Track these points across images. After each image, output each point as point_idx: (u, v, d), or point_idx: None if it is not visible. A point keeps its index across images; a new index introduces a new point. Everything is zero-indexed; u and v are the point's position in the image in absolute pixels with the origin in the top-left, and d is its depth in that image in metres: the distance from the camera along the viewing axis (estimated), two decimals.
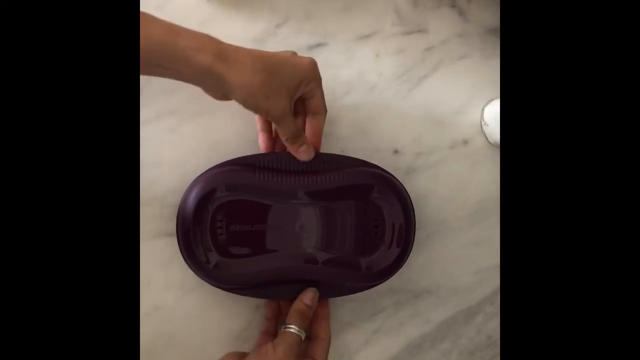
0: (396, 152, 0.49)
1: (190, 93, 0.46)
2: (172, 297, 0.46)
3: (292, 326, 0.40)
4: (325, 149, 0.46)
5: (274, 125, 0.44)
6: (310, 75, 0.40)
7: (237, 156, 0.44)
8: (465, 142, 0.51)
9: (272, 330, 0.45)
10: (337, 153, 0.46)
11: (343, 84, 0.49)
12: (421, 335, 0.49)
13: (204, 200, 0.42)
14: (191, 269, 0.43)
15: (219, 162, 0.44)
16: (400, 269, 0.44)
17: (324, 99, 0.43)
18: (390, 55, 0.50)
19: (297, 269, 0.43)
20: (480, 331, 0.50)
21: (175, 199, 0.44)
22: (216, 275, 0.42)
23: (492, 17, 0.51)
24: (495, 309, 0.50)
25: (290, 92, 0.39)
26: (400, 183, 0.45)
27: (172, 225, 0.43)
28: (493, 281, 0.50)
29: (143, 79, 0.45)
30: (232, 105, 0.46)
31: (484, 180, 0.50)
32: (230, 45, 0.38)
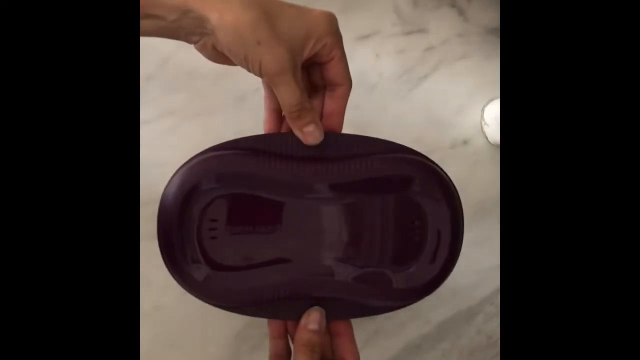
0: None
1: (190, 93, 0.46)
2: (172, 297, 0.46)
3: None
4: None
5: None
6: (323, 27, 0.31)
7: None
8: (466, 142, 0.51)
9: (283, 352, 0.36)
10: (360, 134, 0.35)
11: None
12: (421, 336, 0.49)
13: (188, 197, 0.33)
14: (177, 281, 0.35)
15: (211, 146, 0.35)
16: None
17: (346, 64, 0.33)
18: (390, 55, 0.50)
19: (310, 283, 0.34)
20: (480, 331, 0.50)
21: None
22: (206, 291, 0.34)
23: (492, 17, 0.51)
24: (495, 309, 0.50)
25: (293, 46, 0.30)
26: (447, 174, 0.35)
27: None
28: (493, 281, 0.50)
29: (143, 78, 0.45)
30: (233, 106, 0.46)
31: (484, 180, 0.50)
32: None
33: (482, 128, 0.51)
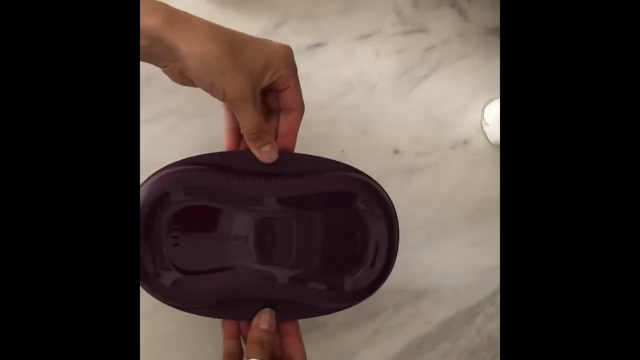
0: (396, 152, 0.49)
1: (190, 93, 0.46)
2: None
3: None
4: (325, 149, 0.46)
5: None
6: (280, 59, 0.35)
7: None
8: (466, 142, 0.51)
9: (236, 351, 0.40)
10: (308, 154, 0.40)
11: (343, 84, 0.49)
12: (421, 336, 0.49)
13: (155, 207, 0.36)
14: (143, 287, 0.38)
15: (177, 160, 0.38)
16: (400, 268, 0.42)
17: (300, 92, 0.37)
18: (390, 55, 0.50)
19: (265, 287, 0.38)
20: (480, 331, 0.50)
21: None
22: (169, 294, 0.37)
23: (492, 17, 0.51)
24: (495, 309, 0.50)
25: (253, 76, 0.34)
26: (386, 192, 0.40)
27: None
28: (493, 281, 0.50)
29: (143, 78, 0.45)
30: None
31: (484, 180, 0.50)
32: (184, 12, 0.33)
33: (482, 128, 0.51)
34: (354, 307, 0.47)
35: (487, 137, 0.50)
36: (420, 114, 0.50)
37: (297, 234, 0.38)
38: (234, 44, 0.33)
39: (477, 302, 0.50)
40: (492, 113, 0.49)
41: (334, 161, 0.39)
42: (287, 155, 0.38)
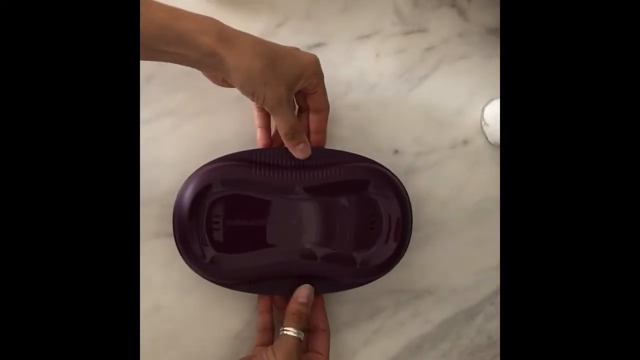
0: (396, 152, 0.49)
1: (190, 93, 0.46)
2: (172, 297, 0.46)
3: (290, 329, 0.40)
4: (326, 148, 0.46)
5: (272, 123, 0.44)
6: (311, 70, 0.40)
7: None
8: (465, 142, 0.51)
9: (269, 325, 0.44)
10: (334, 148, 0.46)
11: (343, 84, 0.49)
12: (421, 336, 0.49)
13: (200, 196, 0.42)
14: (187, 264, 0.43)
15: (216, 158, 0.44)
16: (400, 268, 0.44)
17: (326, 95, 0.43)
18: (390, 55, 0.50)
19: (294, 264, 0.43)
20: (480, 331, 0.50)
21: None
22: (212, 271, 0.43)
23: (492, 17, 0.51)
24: (495, 309, 0.50)
25: (289, 84, 0.39)
26: (397, 178, 0.45)
27: (171, 225, 0.43)
28: (493, 281, 0.50)
29: (143, 78, 0.45)
30: (232, 105, 0.46)
31: (484, 180, 0.50)
32: (232, 29, 0.38)
33: (482, 128, 0.51)
34: (354, 306, 0.48)
35: (486, 137, 0.51)
36: (420, 114, 0.50)
37: (321, 217, 0.43)
38: (274, 58, 0.38)
39: (477, 302, 0.50)
40: (492, 113, 0.49)
41: (352, 154, 0.45)
42: (314, 150, 0.43)
